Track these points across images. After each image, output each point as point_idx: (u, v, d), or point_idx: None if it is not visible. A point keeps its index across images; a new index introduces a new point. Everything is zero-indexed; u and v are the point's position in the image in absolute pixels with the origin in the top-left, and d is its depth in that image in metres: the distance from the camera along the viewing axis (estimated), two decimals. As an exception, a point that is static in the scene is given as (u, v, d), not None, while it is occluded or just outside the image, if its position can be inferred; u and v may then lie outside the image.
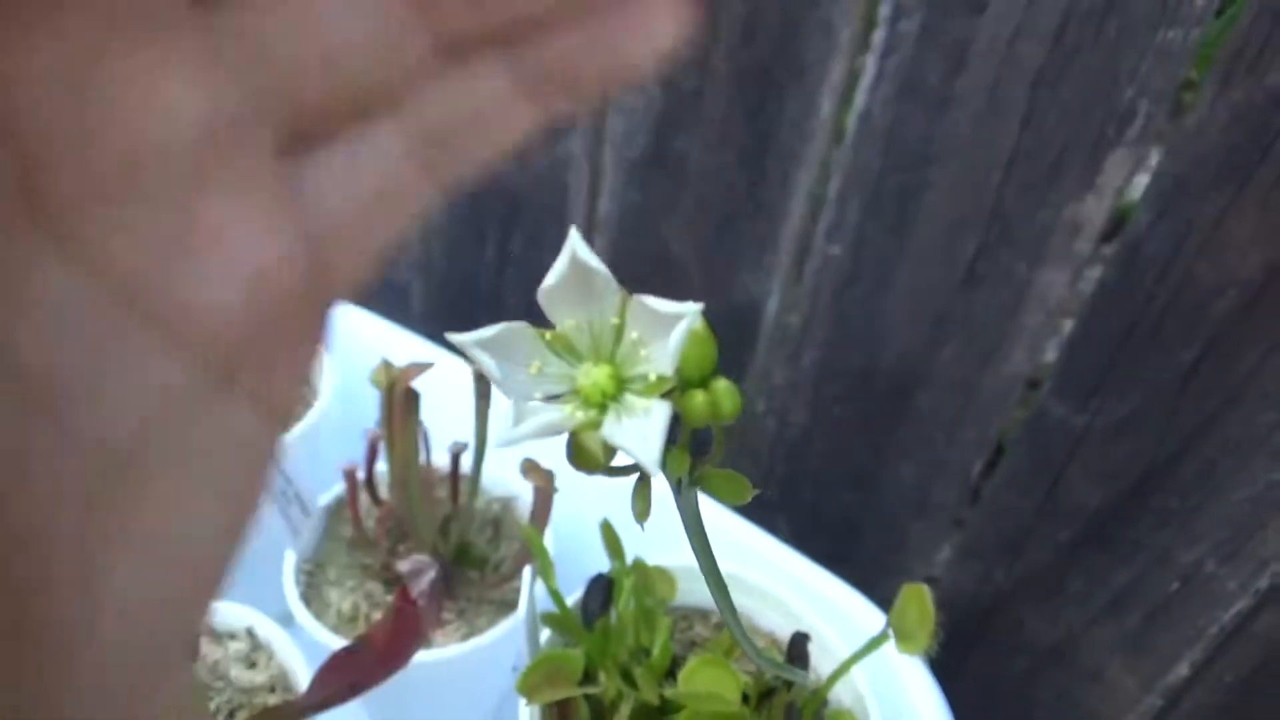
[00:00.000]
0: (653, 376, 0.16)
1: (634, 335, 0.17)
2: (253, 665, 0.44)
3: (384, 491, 0.49)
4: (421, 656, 0.45)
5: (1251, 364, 0.43)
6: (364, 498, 0.50)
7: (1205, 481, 0.47)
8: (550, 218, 0.65)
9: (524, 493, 0.50)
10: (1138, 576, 0.52)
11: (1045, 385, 0.50)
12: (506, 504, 0.52)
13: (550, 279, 0.16)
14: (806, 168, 0.52)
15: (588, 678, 0.34)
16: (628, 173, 0.59)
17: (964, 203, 0.47)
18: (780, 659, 0.38)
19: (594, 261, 0.16)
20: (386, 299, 0.77)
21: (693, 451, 0.20)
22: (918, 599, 0.34)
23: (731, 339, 0.61)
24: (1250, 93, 0.38)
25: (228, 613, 0.45)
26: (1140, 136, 0.41)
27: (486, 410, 0.41)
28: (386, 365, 0.38)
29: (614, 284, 0.17)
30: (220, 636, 0.45)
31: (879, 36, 0.46)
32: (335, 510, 0.50)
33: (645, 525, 0.18)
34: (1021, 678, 0.60)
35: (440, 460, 0.50)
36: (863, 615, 0.45)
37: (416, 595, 0.36)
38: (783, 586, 0.43)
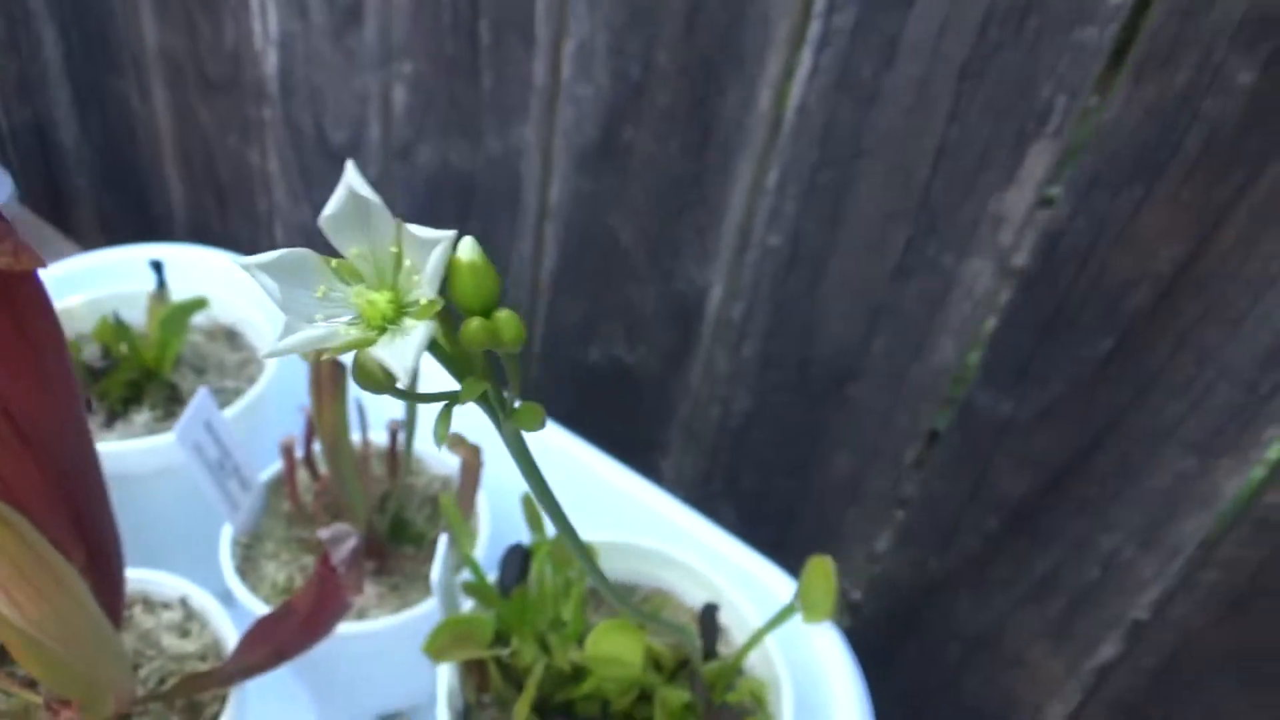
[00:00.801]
0: (424, 301, 0.17)
1: (408, 263, 0.18)
2: (185, 634, 0.45)
3: (324, 467, 0.50)
4: (355, 628, 0.46)
5: (1162, 356, 0.45)
6: (304, 474, 0.50)
7: (1121, 470, 0.48)
8: (504, 205, 0.66)
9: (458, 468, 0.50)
10: (1060, 564, 0.53)
11: (973, 375, 0.51)
12: (446, 482, 0.52)
13: (328, 209, 0.18)
14: (747, 159, 0.53)
15: (502, 643, 0.35)
16: (578, 162, 0.60)
17: (894, 195, 0.49)
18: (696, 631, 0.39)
19: (368, 193, 0.18)
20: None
21: (497, 383, 0.21)
22: (822, 571, 0.35)
23: (678, 327, 0.62)
24: (1161, 90, 0.40)
25: (163, 583, 0.45)
26: (1058, 131, 0.43)
27: (415, 387, 0.41)
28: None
29: (388, 214, 0.18)
30: (154, 606, 0.46)
31: (814, 30, 0.47)
32: (275, 486, 0.51)
33: (442, 447, 0.20)
34: (953, 664, 0.61)
35: (381, 439, 0.51)
36: (783, 589, 0.46)
37: (337, 563, 0.37)
38: (705, 562, 0.44)
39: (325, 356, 0.18)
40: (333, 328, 0.18)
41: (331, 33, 0.68)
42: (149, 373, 0.51)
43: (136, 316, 0.54)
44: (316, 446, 0.49)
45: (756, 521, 0.66)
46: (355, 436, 0.48)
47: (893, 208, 0.49)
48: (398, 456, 0.48)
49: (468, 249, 0.19)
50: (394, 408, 0.49)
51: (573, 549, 0.26)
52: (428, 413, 0.49)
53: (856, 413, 0.56)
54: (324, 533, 0.36)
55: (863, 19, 0.45)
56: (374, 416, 0.49)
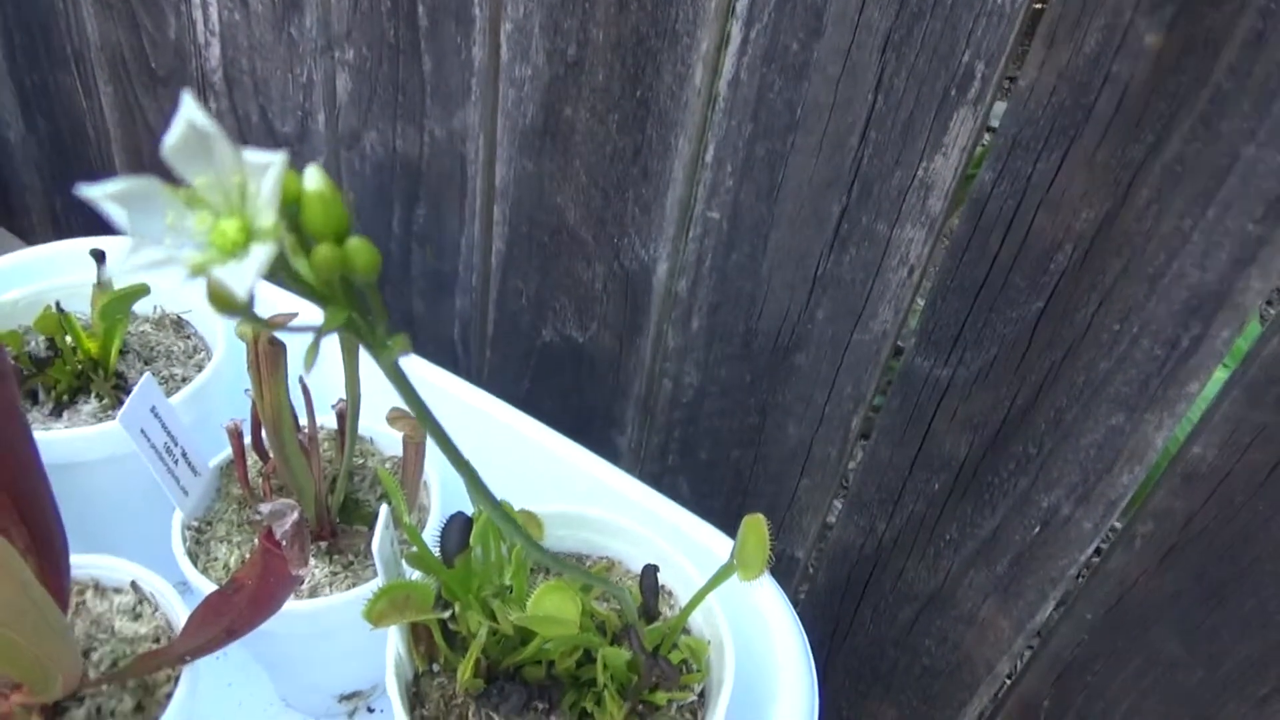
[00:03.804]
0: (266, 227, 0.18)
1: (252, 189, 0.18)
2: (137, 617, 0.45)
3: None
4: (308, 606, 0.46)
5: (1088, 315, 0.46)
6: (254, 458, 0.51)
7: (1056, 428, 0.50)
8: (452, 189, 0.66)
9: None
10: (1003, 522, 0.54)
11: (910, 340, 0.53)
12: (397, 463, 0.53)
13: (168, 140, 0.18)
14: (685, 134, 0.53)
15: (444, 608, 0.36)
16: (521, 142, 0.60)
17: (827, 166, 0.49)
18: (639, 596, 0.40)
19: (206, 124, 0.18)
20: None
21: (363, 313, 0.21)
22: (756, 530, 0.36)
23: (627, 304, 0.63)
24: (1073, 54, 0.41)
25: (113, 568, 0.46)
26: (978, 97, 0.44)
27: (355, 363, 0.42)
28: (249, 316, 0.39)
29: (228, 144, 0.18)
30: (105, 591, 0.46)
31: (742, 4, 0.48)
32: (226, 470, 0.51)
33: (308, 374, 0.20)
34: (907, 626, 0.62)
35: (330, 422, 0.51)
36: (724, 550, 0.47)
37: (280, 536, 0.37)
38: (650, 529, 0.45)
39: (186, 279, 0.18)
40: (175, 250, 0.18)
41: (273, 21, 0.68)
42: (95, 362, 0.51)
43: (82, 308, 0.54)
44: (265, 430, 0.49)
45: (713, 494, 0.67)
46: (303, 420, 0.48)
47: (827, 178, 0.50)
48: (345, 441, 0.49)
49: (313, 178, 0.19)
50: (339, 388, 0.49)
51: (466, 481, 0.27)
52: (372, 393, 0.50)
53: (803, 382, 0.58)
54: (264, 507, 0.36)
55: (789, -8, 0.46)
56: (320, 399, 0.50)
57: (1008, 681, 0.60)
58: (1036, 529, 0.53)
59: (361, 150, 0.69)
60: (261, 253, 0.18)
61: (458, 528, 0.37)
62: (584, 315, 0.65)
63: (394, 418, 0.40)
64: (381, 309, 0.21)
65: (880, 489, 0.59)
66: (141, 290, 0.50)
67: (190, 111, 0.18)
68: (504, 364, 0.72)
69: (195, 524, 0.49)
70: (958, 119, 0.45)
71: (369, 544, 0.49)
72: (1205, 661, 0.51)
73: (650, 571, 0.38)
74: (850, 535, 0.62)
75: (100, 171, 0.91)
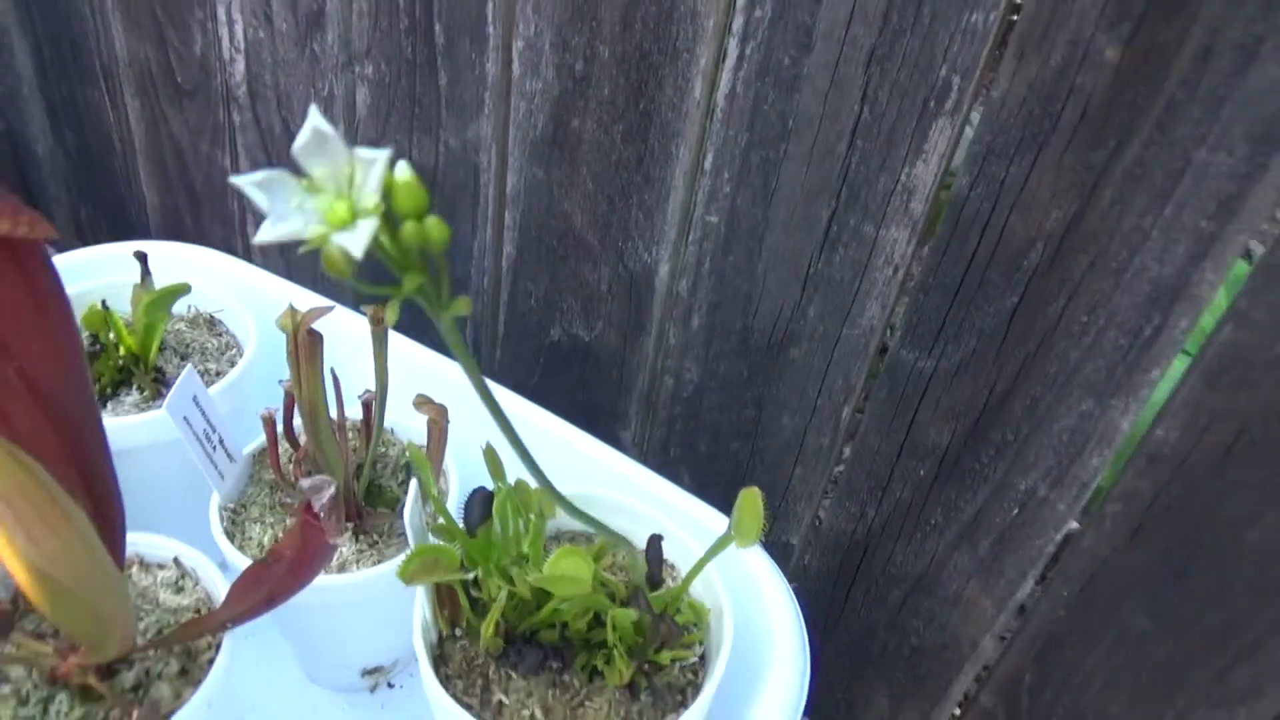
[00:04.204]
0: (370, 206, 0.22)
1: (359, 180, 0.22)
2: (180, 590, 0.49)
3: (303, 438, 0.54)
4: (337, 580, 0.50)
5: (1059, 308, 0.50)
6: (285, 446, 0.54)
7: (1031, 414, 0.53)
8: (465, 197, 0.70)
9: (426, 445, 0.55)
10: (984, 505, 0.58)
11: (896, 334, 0.56)
12: (418, 449, 0.57)
13: (298, 142, 0.22)
14: (685, 144, 0.57)
15: (468, 571, 0.39)
16: (531, 152, 0.64)
17: (817, 172, 0.53)
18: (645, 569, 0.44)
19: (328, 129, 0.22)
20: (318, 282, 0.81)
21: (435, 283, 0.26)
22: (750, 502, 0.40)
23: (631, 304, 0.66)
24: (1040, 67, 0.45)
25: (157, 545, 0.49)
26: (956, 108, 0.48)
27: (384, 356, 0.46)
28: (292, 310, 0.43)
29: (342, 144, 0.23)
30: (149, 566, 0.50)
31: (738, 22, 0.51)
32: (259, 457, 0.55)
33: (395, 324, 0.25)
34: (896, 607, 0.66)
35: (355, 414, 0.55)
36: (722, 527, 0.51)
37: (318, 508, 0.41)
38: (654, 509, 0.49)
39: (304, 249, 0.22)
40: (305, 222, 0.22)
41: (296, 39, 0.71)
42: (136, 357, 0.55)
43: (121, 308, 0.58)
44: (296, 420, 0.53)
45: (712, 485, 0.70)
46: (332, 413, 0.52)
47: (817, 184, 0.54)
48: (370, 426, 0.52)
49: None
50: (366, 381, 0.53)
51: (502, 431, 0.31)
52: (396, 388, 0.53)
53: (796, 375, 0.61)
54: (305, 482, 0.40)
55: (780, 11, 0.50)
56: (348, 393, 0.53)
57: (994, 658, 0.63)
58: (1015, 511, 0.57)
59: (379, 160, 0.73)
60: (368, 226, 0.22)
61: (480, 501, 0.40)
62: (590, 315, 0.69)
63: (420, 403, 0.44)
64: (447, 276, 0.25)
65: (869, 476, 0.62)
66: (182, 289, 0.53)
67: (316, 120, 0.22)
68: (514, 362, 0.75)
69: (231, 506, 0.53)
70: (937, 128, 0.49)
71: (392, 525, 0.53)
72: (1172, 635, 0.54)
73: (655, 541, 0.42)
74: (842, 522, 0.65)
75: (124, 182, 0.95)
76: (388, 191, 0.23)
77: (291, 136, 0.77)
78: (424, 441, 0.56)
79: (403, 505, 0.53)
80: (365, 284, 0.24)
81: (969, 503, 0.59)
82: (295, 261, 0.85)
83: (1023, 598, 0.60)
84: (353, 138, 0.73)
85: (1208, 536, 0.51)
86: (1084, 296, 0.49)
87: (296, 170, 0.23)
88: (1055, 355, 0.51)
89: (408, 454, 0.57)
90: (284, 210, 0.23)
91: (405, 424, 0.57)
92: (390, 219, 0.24)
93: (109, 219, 1.01)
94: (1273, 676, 0.52)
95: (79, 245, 1.08)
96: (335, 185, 0.23)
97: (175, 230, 0.94)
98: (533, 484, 0.44)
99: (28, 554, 0.34)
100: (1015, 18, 0.45)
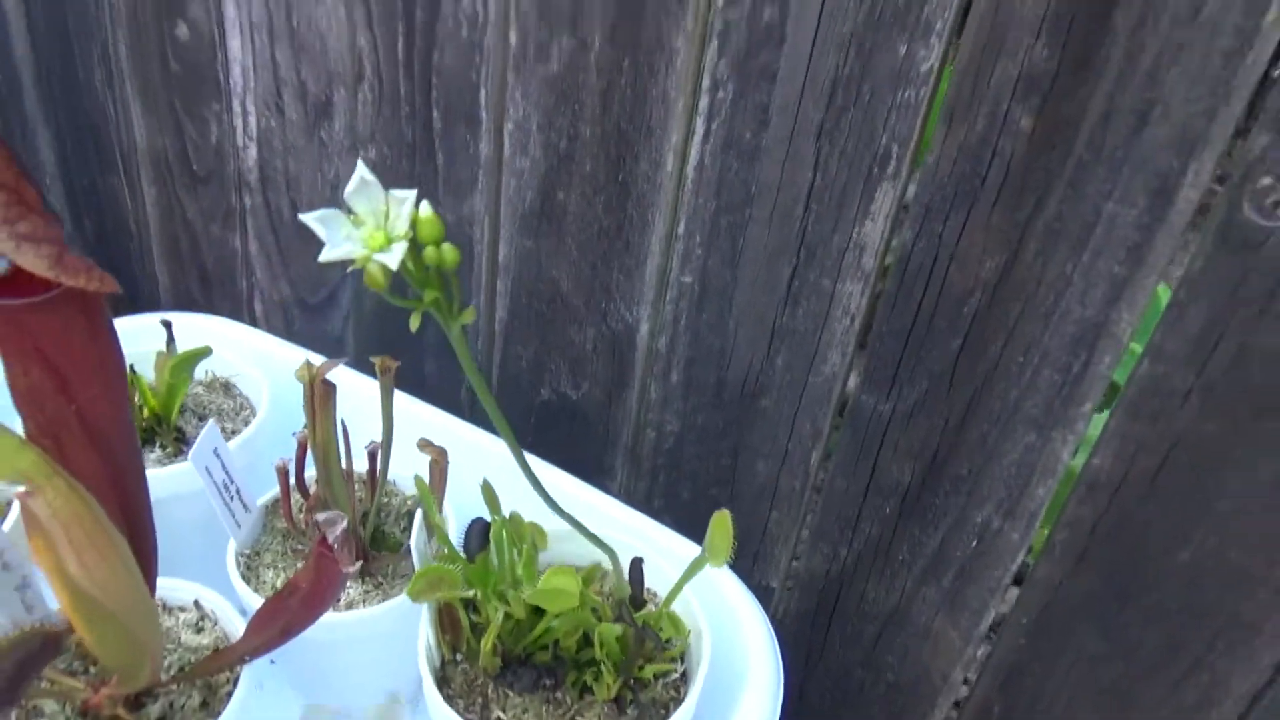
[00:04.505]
0: (401, 232, 0.28)
1: (392, 214, 0.28)
2: (200, 630, 0.53)
3: (314, 487, 0.58)
4: (346, 616, 0.54)
5: (998, 350, 0.55)
6: (296, 497, 0.59)
7: (982, 450, 0.58)
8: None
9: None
10: (945, 539, 0.62)
11: (855, 379, 0.61)
12: (418, 500, 0.61)
13: (348, 189, 0.29)
14: (660, 212, 0.63)
15: (469, 591, 0.43)
16: (520, 224, 0.70)
17: (779, 234, 0.59)
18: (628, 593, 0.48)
19: (370, 177, 0.28)
20: (325, 343, 0.86)
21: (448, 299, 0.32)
22: (721, 523, 0.44)
23: (615, 362, 0.72)
24: (967, 135, 0.51)
25: (178, 588, 0.53)
26: (896, 173, 0.54)
27: (390, 402, 0.50)
28: (308, 364, 0.48)
29: (380, 187, 0.29)
30: (171, 609, 0.53)
31: (704, 103, 0.58)
32: (271, 507, 0.59)
33: (413, 328, 0.30)
34: (871, 644, 0.69)
35: (360, 466, 0.60)
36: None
37: (332, 540, 0.45)
38: (638, 541, 0.53)
39: (352, 268, 0.28)
40: (354, 247, 0.28)
41: (305, 127, 0.78)
42: (159, 417, 0.59)
43: (145, 373, 0.63)
44: (307, 472, 0.58)
45: (694, 531, 0.74)
46: (341, 463, 0.56)
47: (779, 244, 0.60)
48: (376, 473, 0.57)
49: (425, 208, 0.30)
50: (369, 438, 0.58)
51: (491, 414, 0.36)
52: (395, 442, 0.58)
53: (768, 423, 0.66)
54: (320, 516, 0.44)
55: (740, 93, 0.56)
56: (353, 447, 0.58)
57: (964, 691, 0.67)
58: (974, 543, 0.61)
59: (380, 235, 0.79)
60: (400, 248, 0.28)
61: (479, 531, 0.45)
62: (577, 374, 0.74)
63: (422, 445, 0.49)
64: (457, 291, 0.31)
65: (839, 517, 0.66)
66: (204, 351, 0.58)
67: (362, 170, 0.28)
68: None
69: (246, 553, 0.57)
70: (881, 191, 0.55)
71: (396, 568, 0.57)
72: (1123, 655, 0.58)
73: (637, 563, 0.46)
74: (817, 562, 0.69)
75: (139, 263, 1.01)
76: (413, 223, 0.29)
77: (299, 219, 0.83)
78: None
79: (406, 548, 0.57)
80: (396, 298, 0.30)
81: (931, 537, 0.63)
82: (296, 334, 0.90)
83: (986, 628, 0.64)
84: (356, 215, 0.79)
85: (1144, 558, 0.55)
86: (1019, 338, 0.54)
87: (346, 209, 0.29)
88: (998, 394, 0.56)
89: (409, 501, 0.61)
90: (337, 239, 0.29)
91: (406, 476, 0.62)
92: (415, 246, 0.30)
93: (120, 300, 1.07)
94: (1220, 687, 0.55)
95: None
96: (374, 219, 0.29)
97: (186, 308, 0.99)
98: (525, 517, 0.49)
99: (78, 578, 0.39)
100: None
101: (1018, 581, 0.61)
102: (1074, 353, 0.52)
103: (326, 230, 0.30)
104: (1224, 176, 0.46)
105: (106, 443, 0.39)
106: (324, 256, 0.30)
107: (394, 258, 0.29)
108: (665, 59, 0.58)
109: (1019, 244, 0.52)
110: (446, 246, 0.30)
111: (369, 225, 0.29)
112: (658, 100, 0.60)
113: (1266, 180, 0.44)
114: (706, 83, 0.57)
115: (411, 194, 0.29)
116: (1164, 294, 0.51)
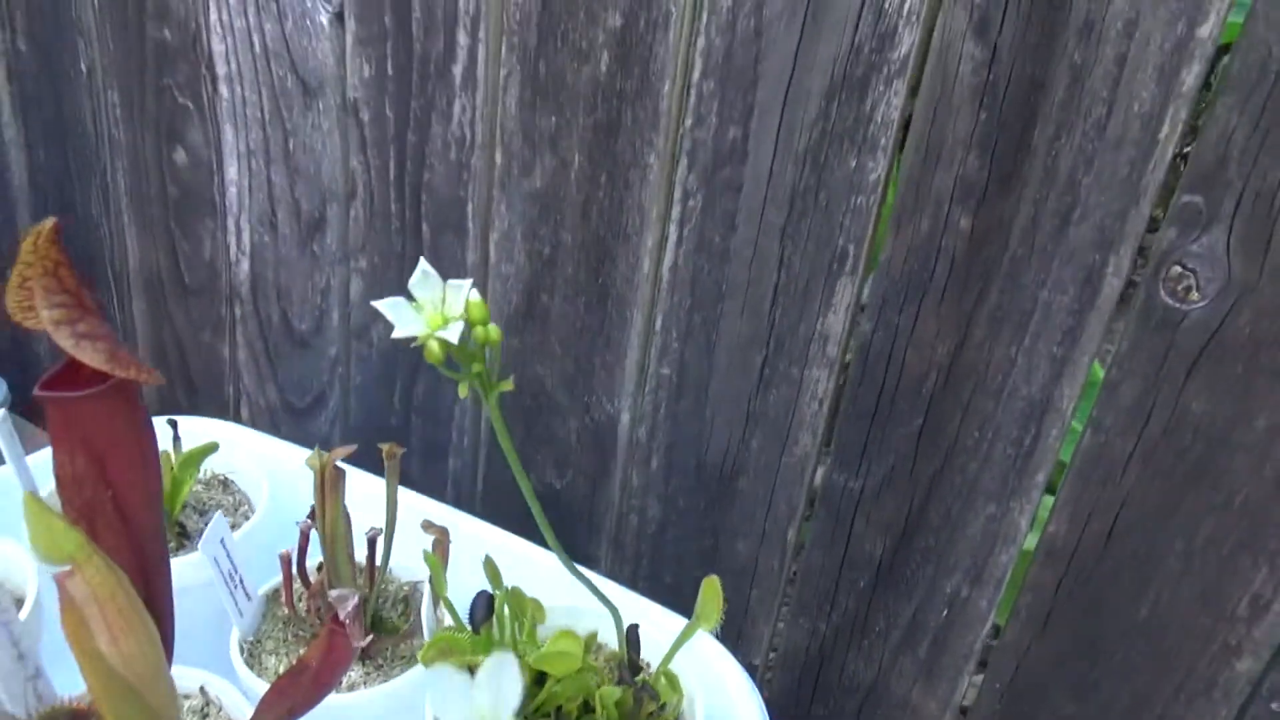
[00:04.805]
0: (456, 314, 0.32)
1: (448, 299, 0.32)
2: (205, 716, 0.54)
3: (314, 576, 0.61)
4: (348, 698, 0.56)
5: (955, 427, 0.60)
6: (298, 585, 0.61)
7: (947, 522, 0.62)
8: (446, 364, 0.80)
9: (426, 577, 0.62)
10: (918, 608, 0.66)
11: (827, 459, 0.66)
12: (414, 586, 0.64)
13: (412, 280, 0.34)
14: (638, 310, 0.68)
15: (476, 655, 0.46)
16: (507, 325, 0.75)
17: (749, 326, 0.64)
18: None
19: (431, 271, 0.33)
20: (311, 446, 0.89)
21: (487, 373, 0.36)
22: (711, 589, 0.48)
23: (598, 452, 0.75)
24: (914, 235, 0.57)
25: (184, 674, 0.55)
26: (853, 269, 0.59)
27: (395, 485, 0.54)
28: (319, 452, 0.51)
29: (439, 278, 0.35)
30: (178, 695, 0.55)
31: (676, 211, 0.64)
32: (272, 597, 0.61)
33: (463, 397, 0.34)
34: (853, 717, 0.72)
35: (359, 554, 0.62)
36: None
37: (344, 617, 0.48)
38: (630, 615, 0.56)
39: (415, 343, 0.32)
40: (419, 327, 0.32)
41: (297, 241, 0.83)
42: (164, 512, 0.62)
43: (145, 474, 0.65)
44: (308, 562, 0.60)
45: (678, 612, 0.77)
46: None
47: (750, 336, 0.65)
48: (375, 559, 0.59)
49: (475, 294, 0.35)
50: (368, 524, 0.60)
51: (516, 473, 0.40)
52: (399, 532, 0.61)
53: (746, 503, 0.70)
54: (333, 593, 0.47)
55: (709, 201, 0.62)
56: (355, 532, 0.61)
57: (943, 759, 0.69)
58: (945, 611, 0.65)
59: (369, 340, 0.83)
60: (457, 327, 0.32)
61: (483, 603, 0.48)
62: (561, 465, 0.78)
63: (426, 526, 0.52)
64: (498, 361, 0.36)
65: (817, 591, 0.70)
66: (211, 447, 0.61)
67: (425, 266, 0.34)
68: (494, 516, 0.83)
69: (249, 640, 0.59)
70: (840, 286, 0.60)
71: (395, 651, 0.59)
72: (1096, 713, 0.61)
73: (633, 629, 0.49)
74: (798, 638, 0.72)
75: (125, 374, 1.04)
76: (465, 307, 0.34)
77: (289, 324, 0.87)
78: (420, 580, 0.63)
79: (403, 631, 0.60)
80: (447, 370, 0.34)
81: (905, 607, 0.67)
82: (283, 438, 0.92)
83: (961, 696, 0.67)
84: (347, 321, 0.83)
85: (1107, 617, 0.59)
86: (974, 416, 0.59)
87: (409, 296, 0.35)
88: (958, 468, 0.61)
89: (404, 587, 0.64)
90: (404, 321, 0.33)
91: (399, 564, 0.64)
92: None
93: (104, 411, 1.09)
94: (1182, 741, 0.59)
95: (73, 437, 1.15)
96: (433, 304, 0.33)
97: (172, 413, 1.02)
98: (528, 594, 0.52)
99: (109, 657, 0.41)
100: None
101: (983, 664, 0.65)
102: (1024, 427, 0.57)
103: (395, 315, 0.34)
104: (1142, 265, 0.52)
105: (137, 527, 0.42)
106: (395, 335, 0.34)
107: (452, 334, 0.33)
108: (640, 174, 0.64)
109: (967, 330, 0.57)
110: (491, 326, 0.35)
111: (429, 309, 0.34)
112: (634, 209, 0.65)
113: (1176, 269, 0.50)
114: (678, 193, 0.63)
115: (466, 283, 0.34)
116: (1099, 370, 0.57)
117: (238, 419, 0.97)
